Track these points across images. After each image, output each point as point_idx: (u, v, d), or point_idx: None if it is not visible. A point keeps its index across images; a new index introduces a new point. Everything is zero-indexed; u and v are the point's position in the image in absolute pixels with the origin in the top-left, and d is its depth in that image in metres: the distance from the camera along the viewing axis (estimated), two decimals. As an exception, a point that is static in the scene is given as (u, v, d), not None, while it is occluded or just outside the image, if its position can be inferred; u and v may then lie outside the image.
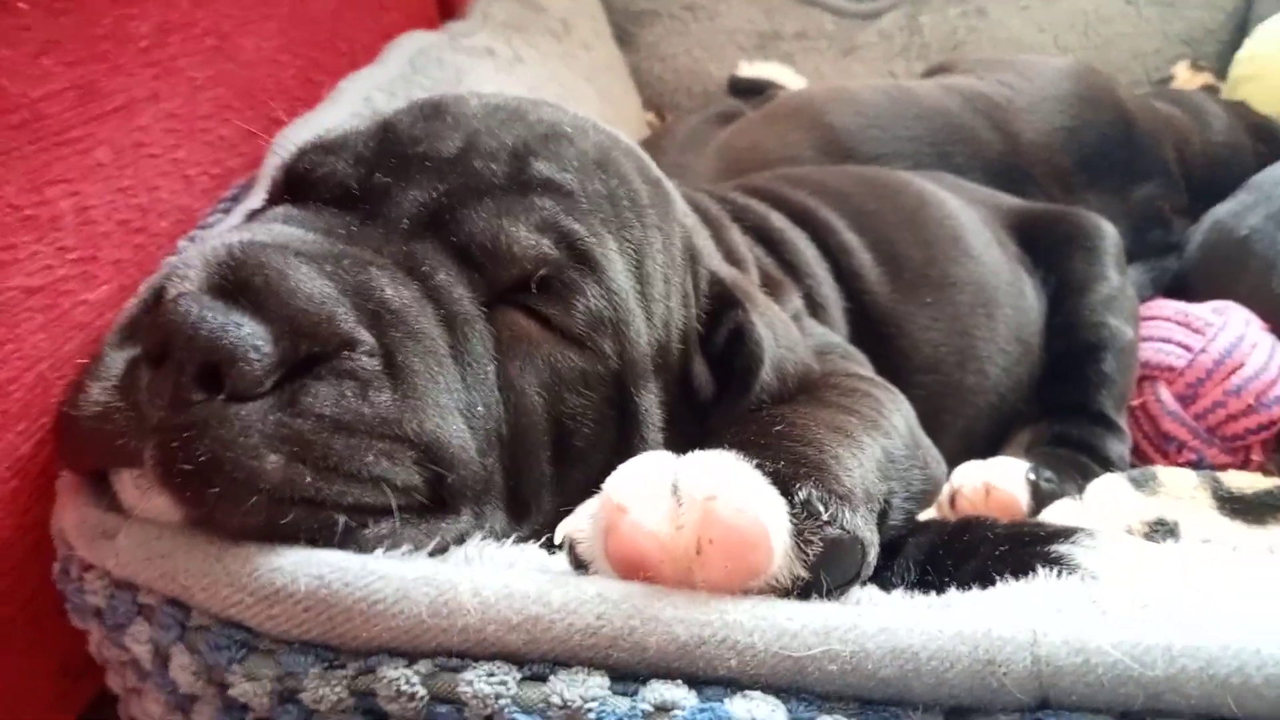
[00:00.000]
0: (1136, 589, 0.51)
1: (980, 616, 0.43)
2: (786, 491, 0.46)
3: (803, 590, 0.46)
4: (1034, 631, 0.42)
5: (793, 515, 0.46)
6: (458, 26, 1.57)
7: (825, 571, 0.46)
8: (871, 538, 0.50)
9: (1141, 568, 0.58)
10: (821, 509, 0.46)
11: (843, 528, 0.46)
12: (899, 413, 0.71)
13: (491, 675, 0.42)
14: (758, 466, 0.47)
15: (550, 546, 0.54)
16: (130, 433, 0.47)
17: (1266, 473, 1.02)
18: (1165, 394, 1.10)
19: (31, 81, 0.77)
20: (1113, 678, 0.41)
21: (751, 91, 1.90)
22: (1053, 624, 0.43)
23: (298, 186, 0.62)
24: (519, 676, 0.43)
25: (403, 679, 0.42)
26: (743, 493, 0.44)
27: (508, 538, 0.54)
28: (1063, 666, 0.42)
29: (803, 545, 0.45)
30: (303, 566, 0.45)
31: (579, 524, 0.49)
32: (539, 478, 0.59)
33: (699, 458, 0.47)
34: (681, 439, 0.63)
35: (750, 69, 1.99)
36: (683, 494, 0.44)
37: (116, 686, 0.57)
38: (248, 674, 0.45)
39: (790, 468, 0.49)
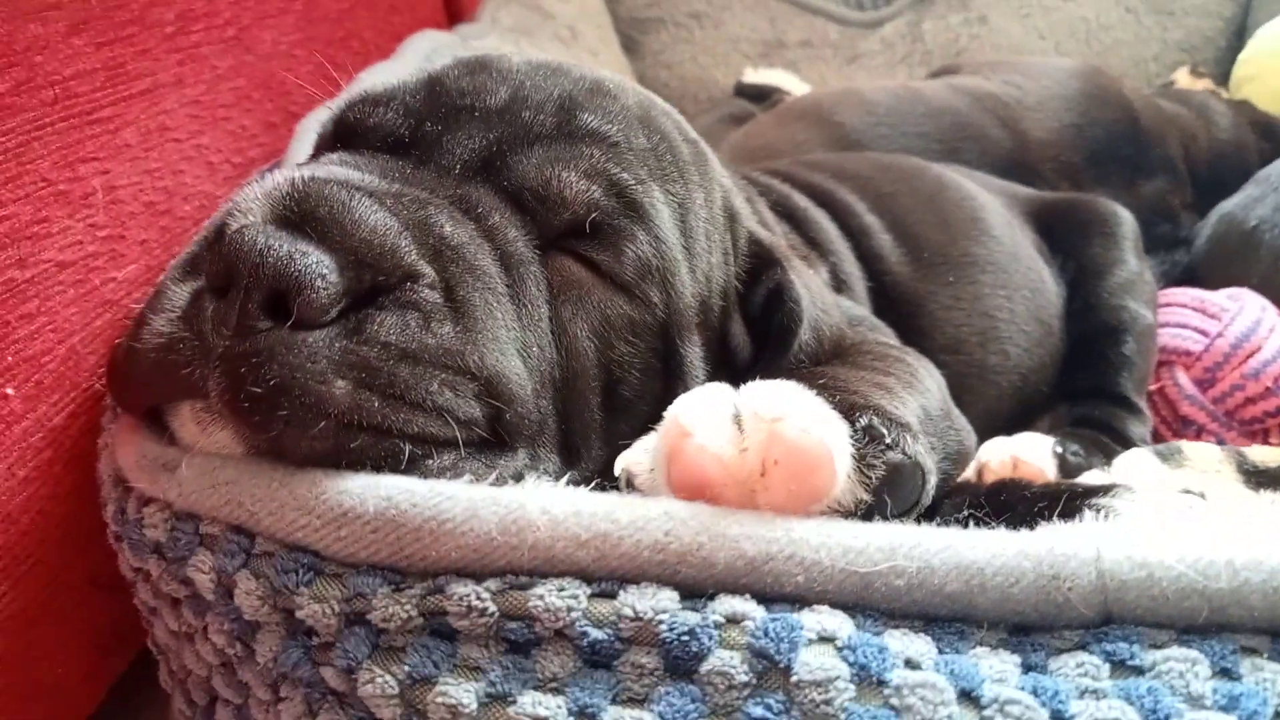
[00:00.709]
0: (1187, 522, 0.51)
1: (1044, 536, 0.44)
2: (849, 418, 0.47)
3: (864, 515, 0.46)
4: (1098, 548, 0.43)
5: (855, 439, 0.46)
6: (468, 29, 1.59)
7: (888, 495, 0.46)
8: (931, 464, 0.50)
9: (1183, 515, 0.58)
10: (884, 432, 0.46)
11: (904, 452, 0.47)
12: (931, 378, 0.72)
13: (562, 590, 0.42)
14: (818, 395, 0.47)
15: (601, 489, 0.54)
16: (195, 362, 0.48)
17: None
18: (1183, 378, 1.10)
19: (63, 60, 0.78)
20: (1176, 591, 0.42)
21: (757, 98, 1.92)
22: (1116, 540, 0.43)
23: (348, 137, 0.62)
24: (589, 592, 0.43)
25: (473, 595, 0.42)
26: (807, 414, 0.45)
27: (560, 480, 0.54)
28: (1127, 581, 0.42)
29: (865, 469, 0.46)
30: (370, 489, 0.45)
31: (637, 457, 0.49)
32: (589, 422, 0.59)
33: (761, 385, 0.47)
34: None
35: (755, 75, 2.01)
36: (746, 416, 0.45)
37: (164, 636, 0.57)
38: (315, 596, 0.45)
39: (847, 402, 0.49)
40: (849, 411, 0.48)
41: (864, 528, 0.44)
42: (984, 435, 0.95)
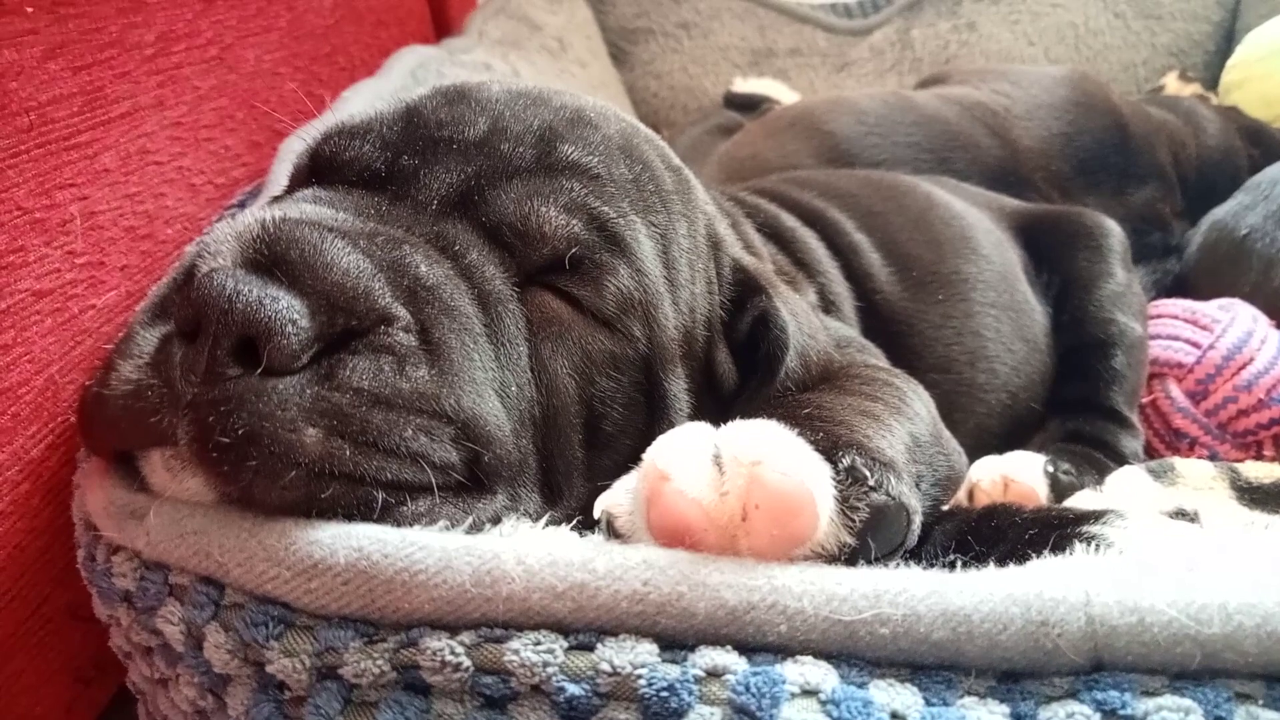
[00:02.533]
0: (1180, 556, 0.50)
1: (1032, 578, 0.43)
2: (830, 458, 0.46)
3: (848, 558, 0.45)
4: (1087, 592, 0.42)
5: (838, 481, 0.45)
6: (455, 43, 1.58)
7: (871, 538, 0.45)
8: (916, 505, 0.49)
9: (1177, 544, 0.57)
10: (867, 474, 0.45)
11: (888, 493, 0.46)
12: (920, 401, 0.71)
13: (538, 644, 0.41)
14: (799, 435, 0.47)
15: (581, 530, 0.53)
16: (163, 410, 0.47)
17: (1283, 465, 1.02)
18: (1175, 391, 1.10)
19: (39, 85, 0.77)
20: (1168, 636, 0.41)
21: (746, 107, 1.92)
22: (1105, 584, 0.42)
23: (323, 170, 0.61)
24: (566, 645, 0.42)
25: (447, 649, 0.41)
26: (788, 457, 0.44)
27: (540, 520, 0.53)
28: (1117, 626, 0.41)
29: (848, 511, 0.45)
30: (341, 539, 0.44)
31: (617, 498, 0.48)
32: (571, 461, 0.58)
33: (741, 426, 0.46)
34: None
35: (745, 85, 2.00)
36: (726, 460, 0.44)
37: (140, 680, 0.56)
38: (285, 650, 0.43)
39: (829, 440, 0.48)
40: (831, 450, 0.47)
41: (847, 574, 0.43)
42: (975, 454, 0.94)
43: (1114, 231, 1.17)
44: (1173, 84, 1.96)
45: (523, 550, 0.43)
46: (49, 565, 0.72)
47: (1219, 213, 1.36)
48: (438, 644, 0.41)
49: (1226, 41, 2.00)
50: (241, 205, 0.99)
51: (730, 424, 0.47)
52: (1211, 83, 1.94)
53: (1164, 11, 2.02)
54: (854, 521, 0.45)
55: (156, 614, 0.48)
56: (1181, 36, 2.03)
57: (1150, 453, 1.11)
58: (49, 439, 0.74)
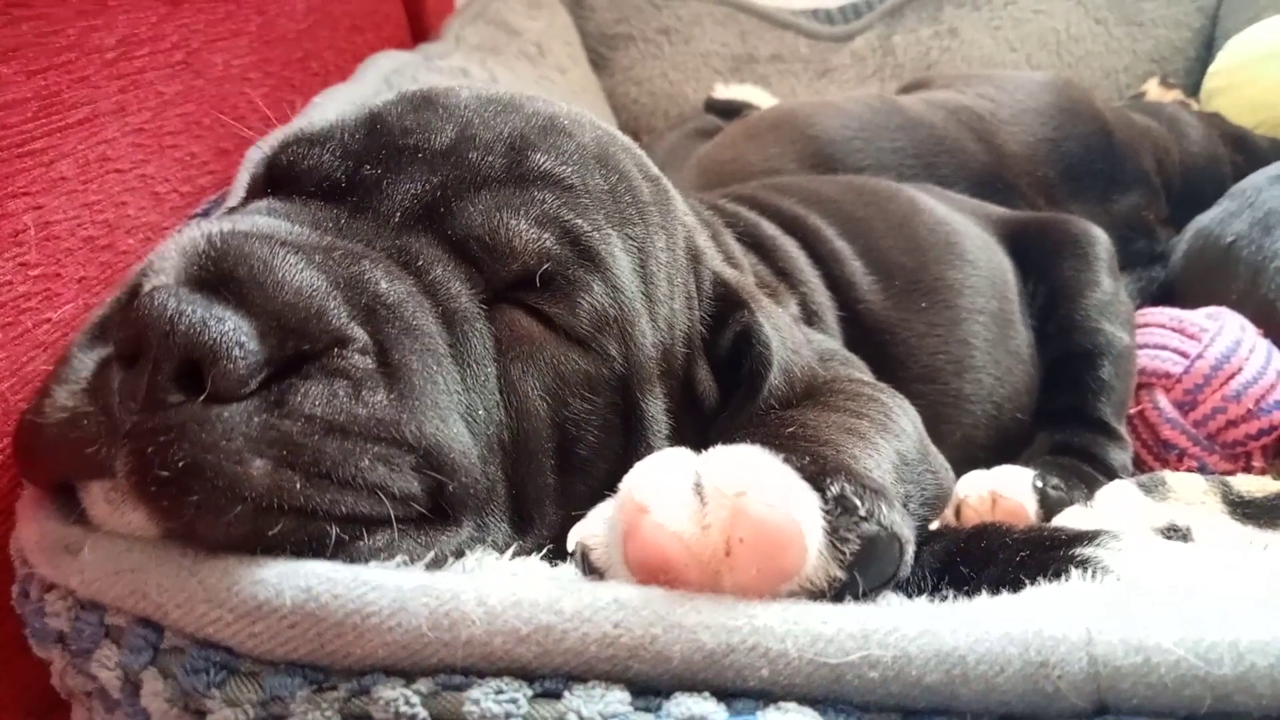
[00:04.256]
0: (1178, 579, 0.48)
1: (1029, 615, 0.40)
2: (818, 486, 0.43)
3: (837, 592, 0.43)
4: (1088, 629, 0.39)
5: (826, 511, 0.42)
6: (432, 48, 1.55)
7: (862, 571, 0.42)
8: (909, 534, 0.46)
9: (1175, 567, 0.55)
10: (858, 503, 0.43)
11: (880, 523, 0.43)
12: (906, 416, 0.68)
13: (500, 693, 0.38)
14: (785, 461, 0.44)
15: (553, 559, 0.50)
16: (101, 440, 0.43)
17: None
18: (1163, 401, 1.08)
19: (-10, 90, 0.74)
20: (1176, 678, 0.38)
21: (728, 113, 1.90)
22: (1108, 621, 0.39)
23: (281, 180, 0.58)
24: (530, 693, 0.39)
25: (401, 699, 0.38)
26: (775, 488, 0.41)
27: (508, 550, 0.50)
28: (1121, 667, 0.38)
29: (838, 543, 0.42)
30: (288, 579, 0.41)
31: (592, 529, 0.46)
32: (542, 487, 0.55)
33: (724, 453, 0.43)
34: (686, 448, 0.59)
35: (726, 91, 1.99)
36: (708, 491, 0.41)
37: (82, 722, 0.52)
38: (228, 699, 0.40)
39: (816, 465, 0.45)
40: (819, 477, 0.44)
41: (833, 612, 0.40)
42: (961, 467, 0.92)
43: (1101, 240, 1.15)
44: (1154, 90, 1.96)
45: (484, 590, 0.40)
46: None
47: (1204, 220, 1.35)
48: (392, 693, 0.38)
49: (1207, 48, 2.00)
50: (206, 214, 0.96)
51: (712, 450, 0.45)
52: (1192, 89, 1.94)
53: (1145, 18, 2.02)
54: (844, 554, 0.42)
55: (91, 657, 0.44)
56: (1163, 43, 2.03)
57: (1139, 464, 1.09)
58: (-1, 459, 0.71)
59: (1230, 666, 0.38)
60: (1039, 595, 0.46)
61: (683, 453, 0.45)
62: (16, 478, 0.71)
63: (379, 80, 1.25)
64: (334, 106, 1.10)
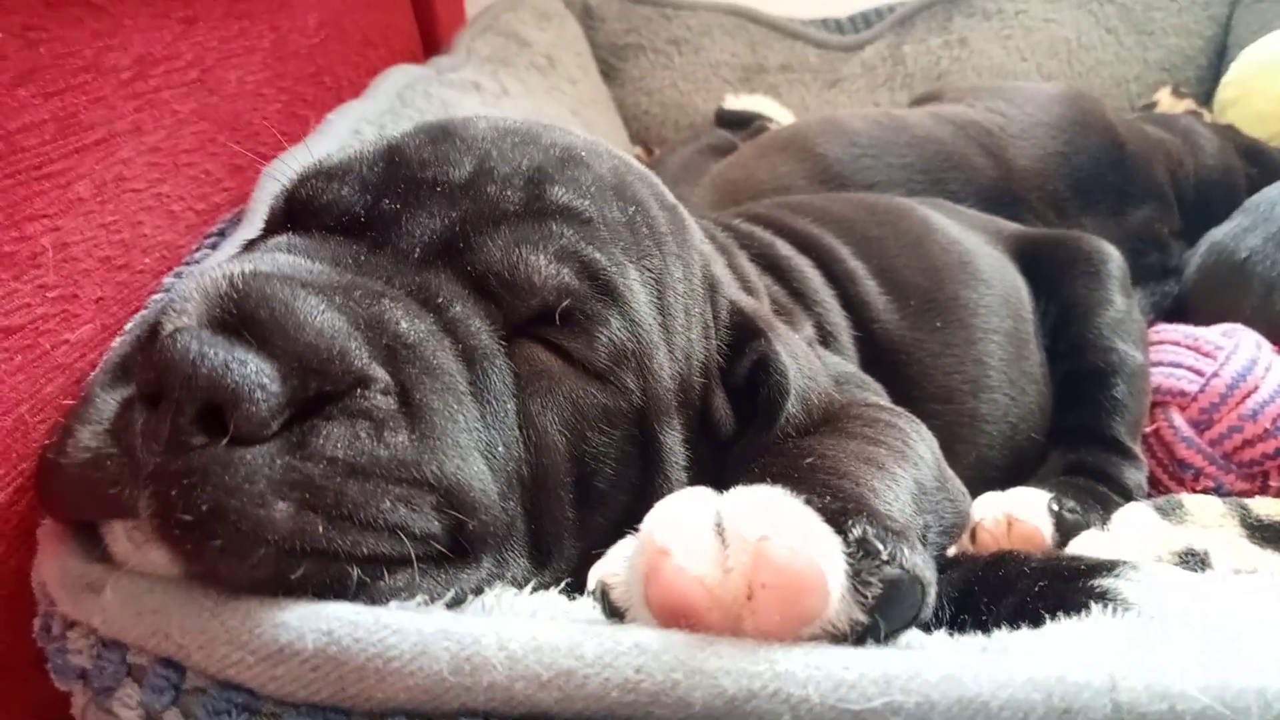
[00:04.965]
0: (1202, 620, 0.48)
1: (1052, 660, 0.40)
2: (840, 529, 0.43)
3: (859, 635, 0.42)
4: (1112, 676, 0.39)
5: (849, 554, 0.42)
6: (443, 61, 1.55)
7: (884, 614, 0.42)
8: (930, 577, 0.46)
9: (1196, 601, 0.55)
10: (880, 546, 0.42)
11: (902, 566, 0.43)
12: (924, 443, 0.68)
13: (523, 739, 0.38)
14: (807, 503, 0.44)
15: (571, 593, 0.50)
16: (123, 481, 0.43)
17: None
18: (1179, 420, 1.07)
19: (8, 113, 0.75)
20: (1201, 726, 0.38)
21: (738, 124, 1.90)
22: (1132, 667, 0.39)
23: (300, 214, 0.58)
24: (553, 739, 0.39)
25: (425, 745, 0.38)
26: (796, 532, 0.41)
27: (527, 585, 0.50)
28: (1146, 714, 0.38)
29: (860, 587, 0.42)
30: (309, 621, 0.41)
31: (612, 568, 0.45)
32: (560, 521, 0.55)
33: (745, 494, 0.43)
34: (703, 478, 0.59)
35: (736, 101, 1.99)
36: (730, 534, 0.41)
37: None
38: (251, 742, 0.40)
39: (837, 503, 0.45)
40: (840, 517, 0.44)
41: (855, 656, 0.40)
42: (976, 487, 0.91)
43: (1113, 257, 1.15)
44: (1165, 100, 1.95)
45: (505, 634, 0.40)
46: (14, 613, 0.69)
47: (1218, 234, 1.34)
48: (414, 738, 0.38)
49: (1219, 57, 1.99)
50: (222, 233, 0.96)
51: (733, 491, 0.44)
52: (1204, 99, 1.93)
53: (1156, 27, 2.01)
54: (866, 598, 0.42)
55: (113, 696, 0.44)
56: (1174, 52, 2.02)
57: (1155, 484, 1.08)
58: (17, 481, 0.71)
59: (1258, 714, 0.38)
60: (1060, 634, 0.46)
61: (704, 492, 0.45)
62: (35, 501, 0.71)
63: (392, 96, 1.25)
64: (347, 124, 1.10)
